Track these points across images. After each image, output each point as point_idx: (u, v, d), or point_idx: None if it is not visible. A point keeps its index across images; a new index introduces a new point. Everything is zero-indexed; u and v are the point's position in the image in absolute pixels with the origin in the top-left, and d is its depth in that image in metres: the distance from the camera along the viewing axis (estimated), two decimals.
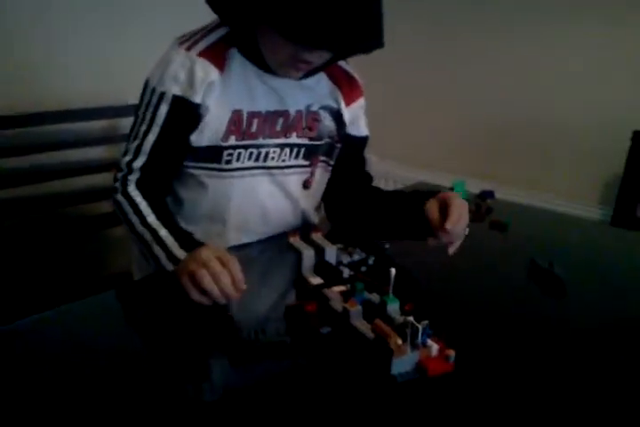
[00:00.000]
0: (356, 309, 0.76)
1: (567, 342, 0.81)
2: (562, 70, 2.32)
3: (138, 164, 1.04)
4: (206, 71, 1.00)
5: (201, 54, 1.01)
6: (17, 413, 0.62)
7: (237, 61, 1.03)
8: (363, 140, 1.23)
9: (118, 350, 0.76)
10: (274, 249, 1.11)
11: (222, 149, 1.05)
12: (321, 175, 1.20)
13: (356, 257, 1.02)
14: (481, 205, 1.34)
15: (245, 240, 1.14)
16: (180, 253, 0.90)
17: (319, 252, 0.93)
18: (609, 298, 0.96)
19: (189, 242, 0.93)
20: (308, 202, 1.20)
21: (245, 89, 1.04)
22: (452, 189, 1.39)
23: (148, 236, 0.96)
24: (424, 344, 0.70)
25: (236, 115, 1.04)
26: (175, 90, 1.00)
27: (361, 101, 1.19)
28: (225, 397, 0.67)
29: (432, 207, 0.98)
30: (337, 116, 1.15)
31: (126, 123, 1.91)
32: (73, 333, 0.81)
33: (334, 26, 0.87)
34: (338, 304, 0.79)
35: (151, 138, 1.03)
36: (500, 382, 0.71)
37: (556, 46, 2.32)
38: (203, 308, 0.83)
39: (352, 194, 1.23)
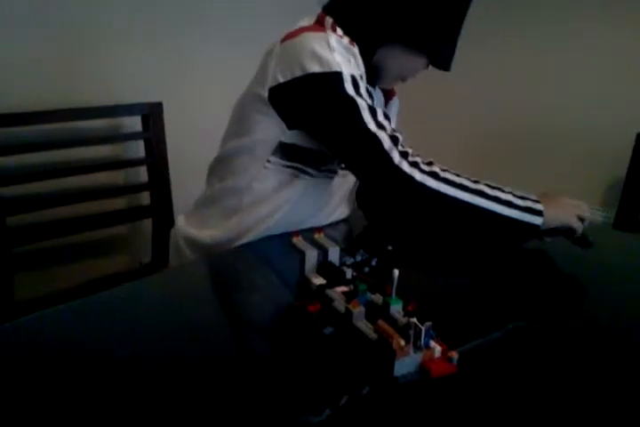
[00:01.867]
0: (358, 309, 0.76)
1: (570, 344, 0.81)
2: (564, 73, 2.32)
3: (401, 139, 1.01)
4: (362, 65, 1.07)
5: (350, 43, 1.05)
6: (19, 411, 0.62)
7: None
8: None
9: (125, 348, 0.76)
10: (277, 249, 1.11)
11: None
12: None
13: (359, 258, 1.02)
14: None
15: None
16: (537, 205, 1.03)
17: (322, 252, 0.93)
18: (612, 301, 0.96)
19: (525, 196, 1.06)
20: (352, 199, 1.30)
21: None
22: None
23: (490, 204, 1.00)
24: (427, 346, 0.70)
25: None
26: (355, 71, 1.01)
27: (395, 100, 1.30)
28: (226, 397, 0.66)
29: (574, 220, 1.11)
30: None
31: (129, 122, 1.93)
32: (80, 330, 0.81)
33: (453, 53, 1.12)
34: (340, 305, 0.79)
35: (379, 109, 1.01)
36: (503, 383, 0.71)
37: (558, 49, 2.32)
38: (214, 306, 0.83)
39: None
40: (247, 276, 1.02)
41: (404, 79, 1.16)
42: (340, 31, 1.06)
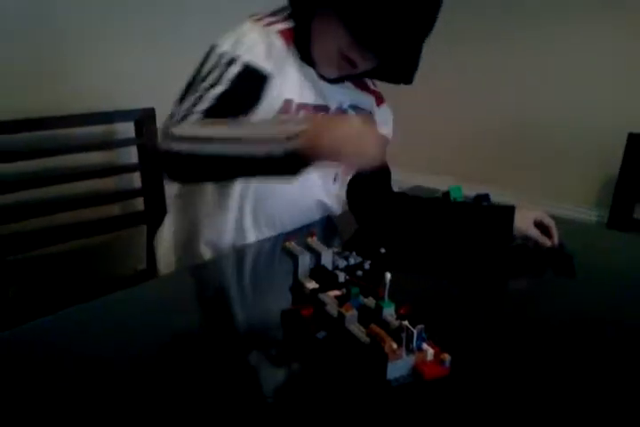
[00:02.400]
0: (351, 313, 0.76)
1: (563, 346, 0.81)
2: (557, 74, 2.33)
3: (200, 107, 0.92)
4: (280, 50, 1.02)
5: (280, 33, 1.02)
6: (19, 419, 0.62)
7: (295, 53, 1.05)
8: (387, 140, 1.28)
9: (121, 355, 0.76)
10: (270, 254, 1.12)
11: None
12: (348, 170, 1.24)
13: (352, 261, 1.03)
14: None
15: (267, 234, 1.16)
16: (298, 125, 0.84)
17: (315, 256, 0.93)
18: (607, 302, 0.97)
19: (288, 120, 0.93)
20: (332, 195, 1.26)
21: (297, 80, 1.06)
22: (447, 193, 1.39)
23: (241, 130, 0.87)
24: (419, 348, 0.70)
25: (287, 104, 1.04)
26: (248, 58, 0.98)
27: (386, 106, 1.26)
28: (221, 402, 0.67)
29: (531, 228, 1.12)
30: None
31: (122, 128, 1.92)
32: (76, 337, 0.81)
33: (390, 32, 0.95)
34: (333, 309, 0.79)
35: (216, 91, 0.94)
36: (496, 385, 0.71)
37: (553, 50, 2.33)
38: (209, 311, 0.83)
39: (375, 189, 1.29)
40: (240, 281, 1.03)
41: (338, 64, 1.05)
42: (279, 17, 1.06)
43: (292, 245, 0.95)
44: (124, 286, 0.97)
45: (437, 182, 1.74)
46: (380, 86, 1.26)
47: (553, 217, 1.15)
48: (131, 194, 1.99)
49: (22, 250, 1.69)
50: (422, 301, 0.92)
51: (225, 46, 0.99)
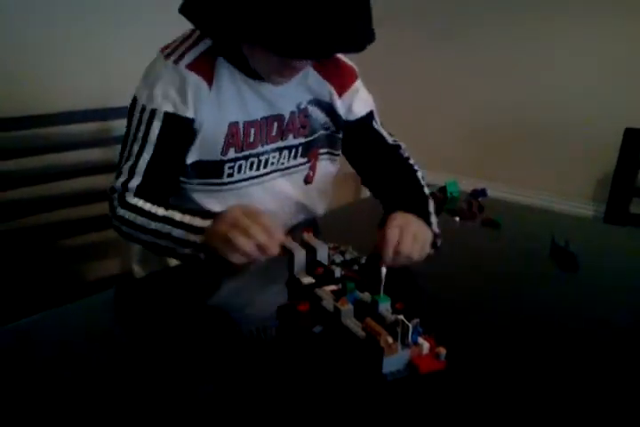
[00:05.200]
0: (347, 308, 0.76)
1: (558, 339, 0.82)
2: (553, 69, 2.33)
3: (133, 184, 1.00)
4: (196, 85, 0.98)
5: (189, 67, 0.98)
6: (8, 415, 0.62)
7: (225, 71, 1.01)
8: (364, 120, 1.19)
9: (116, 351, 0.76)
10: None
11: (223, 163, 1.04)
12: (325, 167, 1.20)
13: (348, 256, 1.03)
14: (473, 203, 1.34)
15: None
16: (201, 222, 0.91)
17: (311, 252, 0.93)
18: (606, 299, 0.97)
19: (208, 214, 0.93)
20: (312, 195, 1.20)
21: (238, 99, 1.03)
22: (444, 188, 1.40)
23: (165, 227, 0.94)
24: (415, 342, 0.71)
25: (233, 127, 1.03)
26: (166, 107, 0.98)
27: (354, 86, 1.15)
28: (218, 396, 0.67)
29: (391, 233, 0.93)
30: (329, 109, 1.14)
31: (119, 125, 1.92)
32: (69, 334, 0.81)
33: (319, 34, 0.85)
34: (329, 304, 0.79)
35: (145, 157, 1.00)
36: (491, 379, 0.72)
37: (548, 46, 2.33)
38: (202, 307, 0.83)
39: (389, 170, 1.21)
40: (237, 276, 1.02)
41: (283, 74, 1.00)
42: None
43: (288, 240, 0.95)
44: (123, 281, 0.97)
45: (434, 177, 1.74)
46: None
47: (550, 212, 1.15)
48: None
49: (21, 246, 1.69)
50: (418, 295, 0.93)
51: (142, 99, 1.01)
